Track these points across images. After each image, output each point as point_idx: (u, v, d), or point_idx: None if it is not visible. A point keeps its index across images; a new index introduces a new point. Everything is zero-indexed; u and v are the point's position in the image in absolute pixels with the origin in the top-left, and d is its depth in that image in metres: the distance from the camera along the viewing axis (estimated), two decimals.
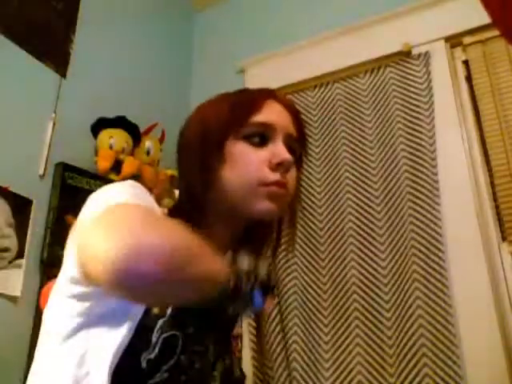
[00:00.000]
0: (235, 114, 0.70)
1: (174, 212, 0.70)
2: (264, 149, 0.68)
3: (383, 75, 1.91)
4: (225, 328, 0.73)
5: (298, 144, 0.74)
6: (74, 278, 0.57)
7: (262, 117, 0.69)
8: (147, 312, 0.58)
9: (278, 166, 0.67)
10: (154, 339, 0.57)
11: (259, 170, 0.67)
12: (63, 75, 1.72)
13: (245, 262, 0.61)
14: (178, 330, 0.59)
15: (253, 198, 0.67)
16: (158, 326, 0.58)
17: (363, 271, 1.69)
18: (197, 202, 0.69)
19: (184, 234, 0.49)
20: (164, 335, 0.57)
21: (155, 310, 0.58)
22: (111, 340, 0.55)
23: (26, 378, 1.44)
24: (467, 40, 1.82)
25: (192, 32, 2.54)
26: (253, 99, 0.71)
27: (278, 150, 0.68)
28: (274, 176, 0.67)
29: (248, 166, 0.67)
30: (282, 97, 0.75)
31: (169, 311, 0.59)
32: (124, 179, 1.88)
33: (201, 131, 0.71)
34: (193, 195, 0.70)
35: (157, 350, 0.57)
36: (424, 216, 1.64)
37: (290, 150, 0.70)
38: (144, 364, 0.56)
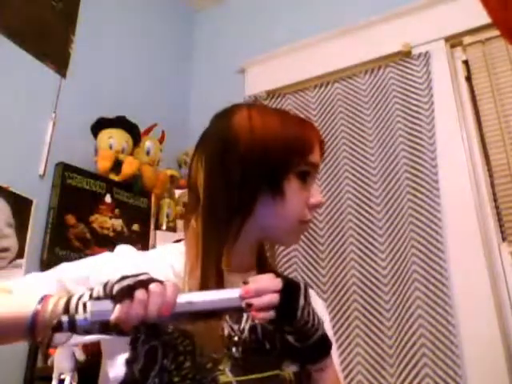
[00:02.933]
0: (299, 150, 0.73)
1: (205, 230, 0.72)
2: (306, 187, 0.75)
3: (383, 75, 1.91)
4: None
5: None
6: None
7: (314, 157, 0.75)
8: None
9: (315, 207, 0.76)
10: (139, 351, 0.65)
11: (302, 209, 0.75)
12: (63, 75, 1.72)
13: None
14: (155, 340, 0.65)
15: (291, 232, 0.76)
16: (140, 340, 0.65)
17: (363, 271, 1.69)
18: (231, 228, 0.73)
19: None
20: (146, 347, 0.64)
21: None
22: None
23: (25, 379, 1.45)
24: (467, 40, 1.82)
25: (192, 32, 2.54)
26: (309, 137, 0.75)
27: (317, 192, 0.76)
28: (310, 215, 0.76)
29: (297, 204, 0.74)
30: (319, 132, 0.80)
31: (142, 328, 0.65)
32: (124, 179, 1.88)
33: (263, 159, 0.72)
34: (228, 220, 0.72)
35: (142, 360, 0.64)
36: (424, 216, 1.64)
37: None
38: (137, 374, 0.64)
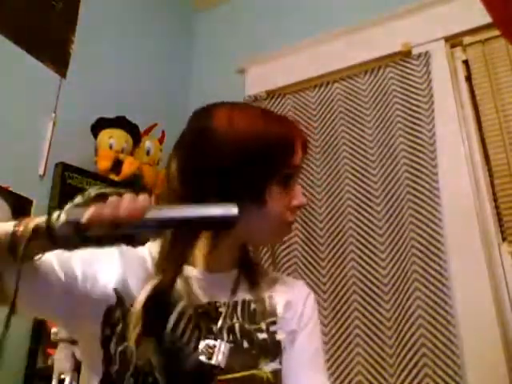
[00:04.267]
0: (282, 156, 0.71)
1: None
2: (288, 190, 0.74)
3: (383, 75, 1.91)
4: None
5: None
6: None
7: (297, 160, 0.73)
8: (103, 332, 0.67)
9: (296, 209, 0.75)
10: (112, 353, 0.65)
11: (284, 213, 0.73)
12: (63, 75, 1.72)
13: None
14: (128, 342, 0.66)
15: (272, 234, 0.76)
16: (112, 341, 0.66)
17: (363, 271, 1.69)
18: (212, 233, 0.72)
19: None
20: (119, 348, 0.65)
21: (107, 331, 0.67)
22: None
23: (25, 378, 1.45)
24: (467, 40, 1.82)
25: (192, 32, 2.54)
26: (291, 139, 0.73)
27: (298, 193, 0.75)
28: (292, 217, 0.75)
29: (278, 209, 0.72)
30: (302, 131, 0.78)
31: (118, 328, 0.66)
32: (124, 179, 1.87)
33: (243, 165, 0.68)
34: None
35: (117, 361, 0.64)
36: (424, 216, 1.64)
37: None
38: (114, 375, 0.64)
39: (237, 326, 0.70)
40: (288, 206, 0.74)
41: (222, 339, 0.68)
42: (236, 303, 0.72)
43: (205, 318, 0.69)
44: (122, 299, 0.67)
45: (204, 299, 0.71)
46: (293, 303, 0.76)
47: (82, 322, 0.68)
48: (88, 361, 0.70)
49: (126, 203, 0.56)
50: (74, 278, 0.66)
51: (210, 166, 0.69)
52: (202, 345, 0.66)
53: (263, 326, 0.71)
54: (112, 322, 0.66)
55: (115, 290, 0.68)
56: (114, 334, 0.66)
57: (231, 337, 0.68)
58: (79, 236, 0.55)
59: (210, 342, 0.67)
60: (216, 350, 0.66)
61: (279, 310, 0.74)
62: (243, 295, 0.74)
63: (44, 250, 0.59)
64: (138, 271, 0.71)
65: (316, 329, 0.78)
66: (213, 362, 0.65)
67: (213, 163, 0.69)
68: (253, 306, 0.73)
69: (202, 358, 0.65)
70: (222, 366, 0.65)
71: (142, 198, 0.58)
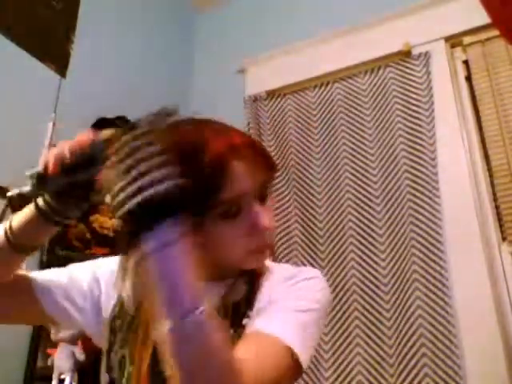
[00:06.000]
0: (205, 195, 0.59)
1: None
2: (240, 219, 0.63)
3: (383, 75, 1.91)
4: None
5: (269, 181, 0.68)
6: None
7: (232, 191, 0.61)
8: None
9: (260, 233, 0.64)
10: (112, 359, 0.69)
11: (241, 246, 0.64)
12: (63, 75, 1.72)
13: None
14: (125, 349, 0.68)
15: (241, 264, 0.67)
16: (114, 350, 0.69)
17: (363, 271, 1.69)
18: None
19: None
20: (118, 356, 0.68)
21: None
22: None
23: (25, 378, 1.44)
24: (467, 40, 1.82)
25: (192, 32, 2.54)
26: (217, 170, 0.59)
27: (255, 218, 0.63)
28: (258, 242, 0.64)
29: (231, 247, 0.64)
30: (243, 149, 0.63)
31: (119, 337, 0.69)
32: None
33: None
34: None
35: (117, 368, 0.68)
36: (424, 216, 1.64)
37: (263, 191, 0.66)
38: (114, 381, 0.67)
39: None
40: (248, 235, 0.63)
41: None
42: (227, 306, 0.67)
43: None
44: (123, 309, 0.71)
45: None
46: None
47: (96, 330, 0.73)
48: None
49: (67, 143, 0.63)
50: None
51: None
52: None
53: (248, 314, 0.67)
54: (114, 329, 0.70)
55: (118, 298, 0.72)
56: (116, 342, 0.69)
57: None
58: (44, 186, 0.60)
59: None
60: None
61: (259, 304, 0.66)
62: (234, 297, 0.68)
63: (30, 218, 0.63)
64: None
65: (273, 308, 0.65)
66: None
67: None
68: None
69: None
70: None
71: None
